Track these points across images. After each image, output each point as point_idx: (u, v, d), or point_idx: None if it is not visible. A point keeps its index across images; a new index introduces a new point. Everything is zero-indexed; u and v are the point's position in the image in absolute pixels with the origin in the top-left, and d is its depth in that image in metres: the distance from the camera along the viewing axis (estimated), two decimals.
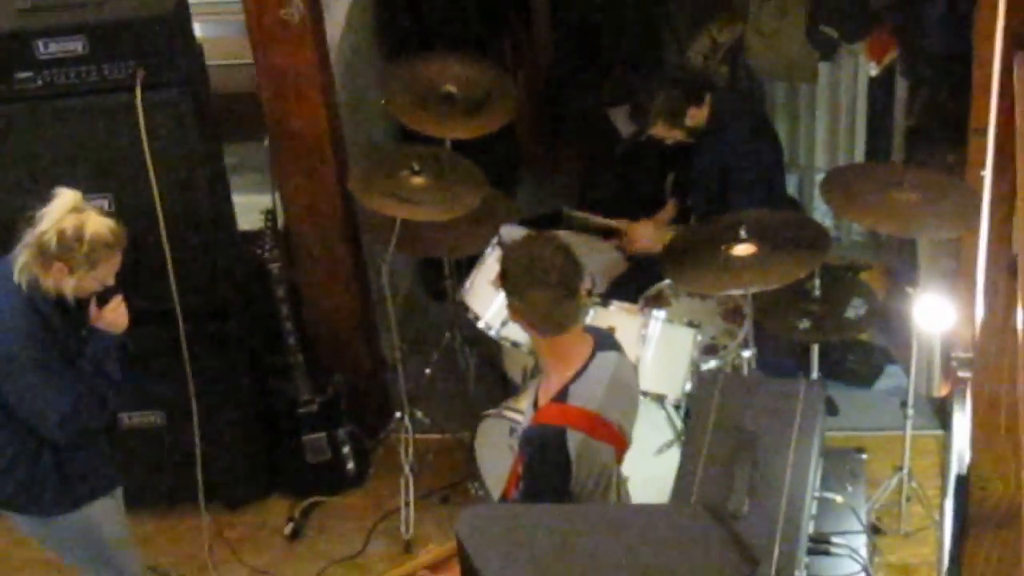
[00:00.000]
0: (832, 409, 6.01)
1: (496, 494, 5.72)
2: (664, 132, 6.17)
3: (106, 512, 5.08)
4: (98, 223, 4.56)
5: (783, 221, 5.85)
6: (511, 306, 4.29)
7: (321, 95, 5.90)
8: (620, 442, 4.36)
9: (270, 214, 6.01)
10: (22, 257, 4.57)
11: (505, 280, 4.24)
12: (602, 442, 4.25)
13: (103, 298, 4.73)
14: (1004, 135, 3.69)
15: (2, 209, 5.66)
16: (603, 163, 7.67)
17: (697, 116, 6.15)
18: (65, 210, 4.58)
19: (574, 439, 4.12)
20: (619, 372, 4.39)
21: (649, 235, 6.41)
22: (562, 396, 4.21)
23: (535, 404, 4.39)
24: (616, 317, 5.49)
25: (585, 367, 4.25)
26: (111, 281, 4.69)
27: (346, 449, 6.39)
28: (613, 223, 6.48)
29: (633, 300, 5.86)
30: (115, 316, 4.73)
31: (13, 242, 4.69)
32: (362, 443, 6.52)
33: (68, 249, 4.50)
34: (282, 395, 6.25)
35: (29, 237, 4.56)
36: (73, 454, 4.84)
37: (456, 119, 6.19)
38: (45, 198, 4.96)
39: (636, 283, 6.19)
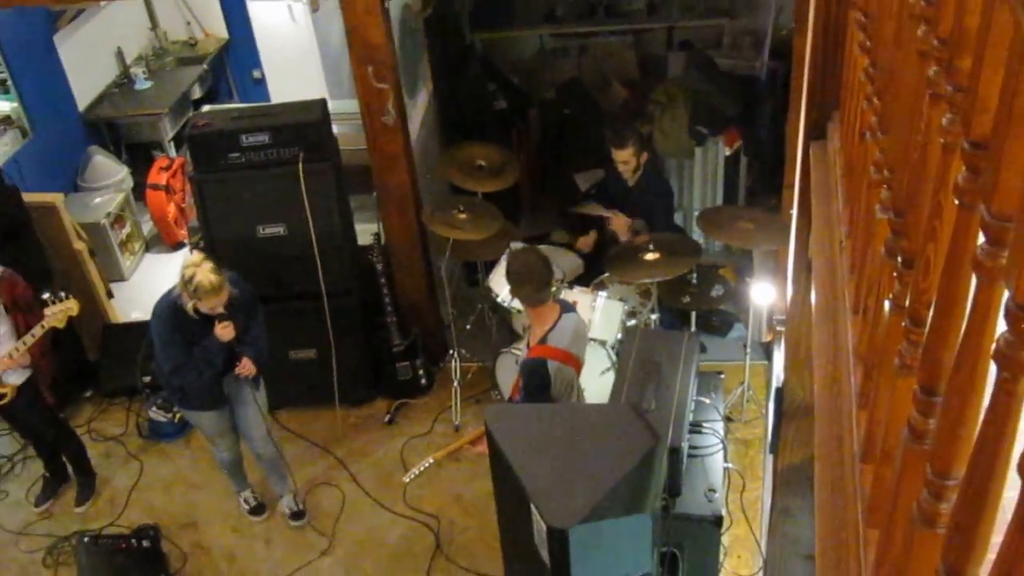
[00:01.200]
0: (703, 349, 5.99)
1: (507, 398, 5.77)
2: (628, 156, 5.94)
3: (207, 419, 5.20)
4: (202, 276, 4.52)
5: (674, 239, 5.84)
6: (512, 290, 4.45)
7: (406, 166, 5.88)
8: (578, 366, 4.44)
9: (377, 236, 6.01)
10: (179, 280, 4.65)
11: (508, 275, 4.38)
12: (568, 366, 4.33)
13: (224, 319, 4.71)
14: (804, 190, 3.69)
15: (221, 236, 5.70)
16: (569, 205, 7.65)
17: (644, 159, 6.05)
18: (188, 263, 4.62)
19: (552, 365, 4.22)
20: (576, 326, 4.47)
21: (623, 225, 6.16)
22: (543, 340, 4.30)
23: (527, 345, 4.47)
24: (577, 295, 5.49)
25: (556, 323, 4.33)
26: (219, 309, 4.65)
27: (421, 372, 6.37)
28: (605, 212, 6.32)
29: (587, 285, 5.86)
30: (222, 332, 4.68)
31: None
32: (430, 368, 6.50)
33: (185, 286, 4.56)
34: (383, 340, 6.22)
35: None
36: (188, 386, 4.94)
37: (484, 180, 6.14)
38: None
39: (588, 275, 6.19)
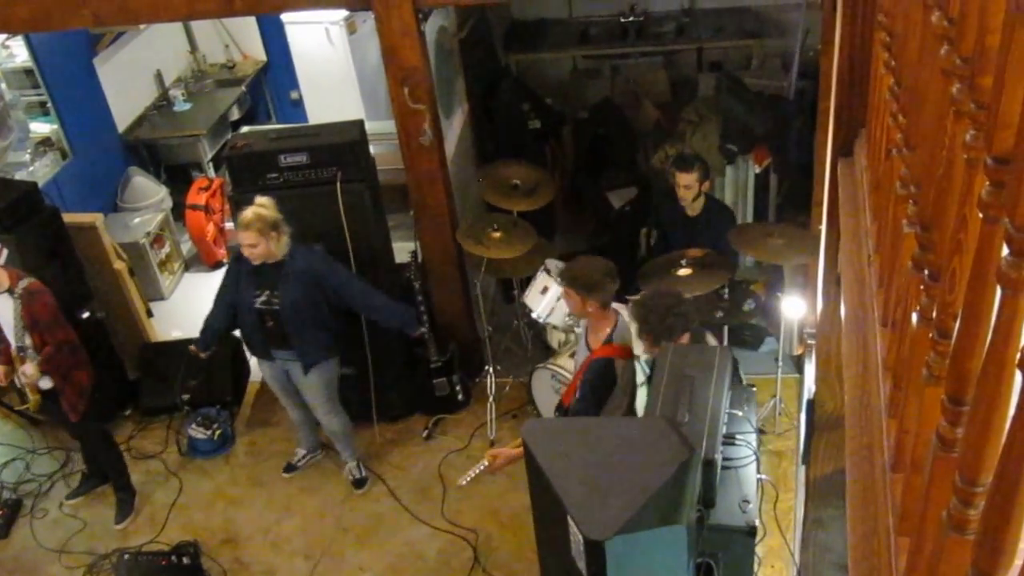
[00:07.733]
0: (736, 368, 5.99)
1: (545, 414, 5.88)
2: (691, 180, 5.83)
3: (265, 370, 5.56)
4: (248, 209, 4.98)
5: (706, 254, 5.85)
6: (584, 295, 4.54)
7: (442, 186, 5.93)
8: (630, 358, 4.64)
9: (414, 254, 6.07)
10: None
11: (580, 278, 4.55)
12: (628, 360, 4.50)
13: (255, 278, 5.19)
14: (832, 206, 3.71)
15: None
16: (603, 223, 7.67)
17: (706, 188, 5.97)
18: (256, 200, 5.03)
19: (618, 362, 4.47)
20: (628, 324, 4.62)
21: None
22: (608, 340, 4.56)
23: (587, 347, 4.70)
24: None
25: (617, 323, 4.60)
26: (249, 251, 5.01)
27: (458, 387, 6.40)
28: None
29: (625, 302, 5.87)
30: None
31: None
32: (467, 384, 6.52)
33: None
34: (421, 356, 6.27)
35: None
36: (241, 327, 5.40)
37: (519, 199, 6.19)
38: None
39: (626, 291, 6.20)
